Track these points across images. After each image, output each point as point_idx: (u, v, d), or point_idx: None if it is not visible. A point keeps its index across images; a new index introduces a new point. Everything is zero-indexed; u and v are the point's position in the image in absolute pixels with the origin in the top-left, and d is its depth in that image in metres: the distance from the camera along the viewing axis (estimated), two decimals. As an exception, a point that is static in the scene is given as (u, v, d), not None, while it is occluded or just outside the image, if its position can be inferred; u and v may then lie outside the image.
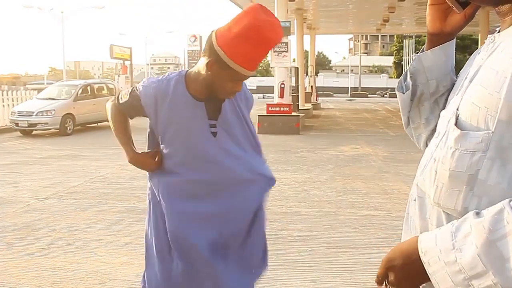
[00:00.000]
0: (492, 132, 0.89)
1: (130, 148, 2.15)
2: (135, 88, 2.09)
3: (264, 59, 1.95)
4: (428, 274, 0.89)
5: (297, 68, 21.68)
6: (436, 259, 0.87)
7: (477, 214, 0.85)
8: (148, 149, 2.17)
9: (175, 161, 2.02)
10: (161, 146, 2.06)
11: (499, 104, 0.87)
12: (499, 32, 0.99)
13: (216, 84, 1.91)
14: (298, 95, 20.15)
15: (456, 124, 0.96)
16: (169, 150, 2.03)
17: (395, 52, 67.20)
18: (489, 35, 1.02)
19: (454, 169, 0.94)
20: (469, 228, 0.83)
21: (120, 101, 2.13)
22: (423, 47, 1.22)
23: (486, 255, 0.80)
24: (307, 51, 30.53)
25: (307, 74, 27.89)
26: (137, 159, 2.11)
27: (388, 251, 0.99)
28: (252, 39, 1.77)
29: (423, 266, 0.90)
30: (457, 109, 0.98)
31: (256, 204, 2.14)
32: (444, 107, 1.13)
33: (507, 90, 0.87)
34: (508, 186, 0.86)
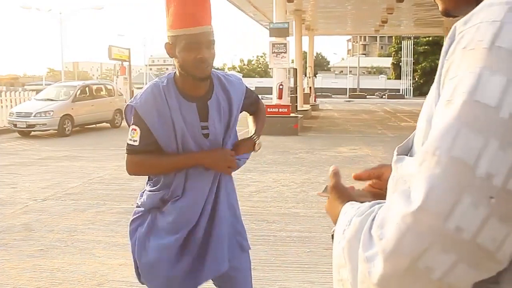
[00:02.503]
0: None
1: (192, 154, 1.98)
2: (132, 117, 1.96)
3: (201, 11, 1.85)
4: None
5: (296, 69, 21.69)
6: (336, 236, 0.87)
7: (372, 205, 0.81)
8: None
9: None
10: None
11: (423, 127, 0.79)
12: None
13: (184, 64, 1.89)
14: (296, 96, 20.15)
15: (412, 146, 0.88)
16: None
17: (393, 53, 67.21)
18: None
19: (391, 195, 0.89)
20: (354, 220, 0.80)
21: (133, 143, 1.95)
22: None
23: (349, 250, 0.78)
24: (305, 52, 30.56)
25: (305, 75, 27.92)
26: (214, 155, 1.99)
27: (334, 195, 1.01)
28: None
29: None
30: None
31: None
32: None
33: (427, 113, 0.78)
34: None
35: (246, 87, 2.20)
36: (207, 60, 1.87)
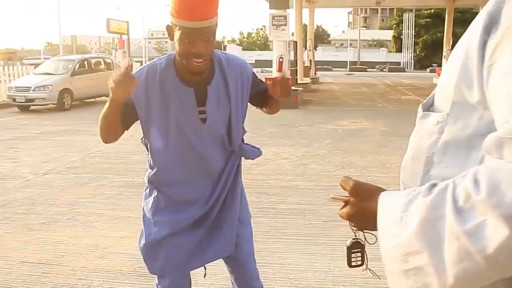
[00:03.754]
0: (447, 114, 0.85)
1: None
2: None
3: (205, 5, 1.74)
4: (379, 242, 0.88)
5: (296, 42, 21.51)
6: (385, 229, 0.84)
7: (432, 186, 0.79)
8: (147, 154, 2.07)
9: (166, 151, 1.97)
10: (150, 137, 1.99)
11: (454, 84, 0.82)
12: None
13: (179, 53, 1.83)
14: (296, 69, 20.04)
15: (433, 103, 0.92)
16: (159, 140, 1.97)
17: (394, 26, 66.65)
18: None
19: (415, 150, 0.92)
20: (417, 203, 0.78)
21: None
22: None
23: (422, 234, 0.75)
24: (306, 25, 30.23)
25: (305, 48, 27.69)
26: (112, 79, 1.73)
27: (358, 185, 0.97)
28: None
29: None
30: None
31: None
32: None
33: (460, 69, 0.81)
34: (461, 170, 0.80)
35: (254, 73, 2.08)
36: (202, 55, 1.80)
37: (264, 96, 2.09)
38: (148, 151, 2.05)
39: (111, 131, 1.96)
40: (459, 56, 0.82)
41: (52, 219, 4.68)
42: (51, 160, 7.32)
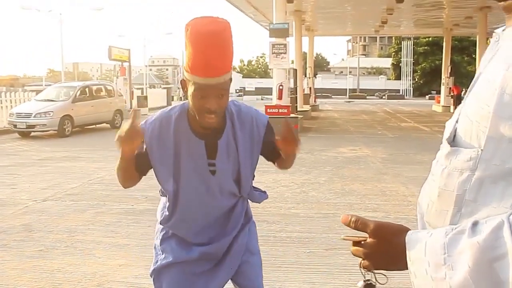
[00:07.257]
0: (481, 150, 0.80)
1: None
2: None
3: (219, 61, 1.73)
4: (412, 285, 0.83)
5: (296, 69, 21.68)
6: (423, 272, 0.79)
7: (475, 225, 0.76)
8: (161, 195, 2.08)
9: (175, 199, 1.98)
10: (164, 186, 1.99)
11: (489, 118, 0.79)
12: (504, 30, 0.88)
13: (192, 107, 1.82)
14: (296, 97, 20.14)
15: (454, 138, 0.88)
16: (170, 188, 1.96)
17: (393, 53, 67.31)
18: (494, 32, 0.91)
19: (443, 187, 0.87)
20: (464, 244, 0.74)
21: None
22: None
23: (480, 276, 0.71)
24: (305, 53, 30.57)
25: (305, 76, 27.92)
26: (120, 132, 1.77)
27: (380, 226, 0.92)
28: (189, 41, 1.73)
29: (407, 265, 0.84)
30: (457, 121, 0.89)
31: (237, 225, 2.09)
32: None
33: (496, 104, 0.78)
34: (498, 207, 0.78)
35: (267, 124, 2.04)
36: (214, 111, 1.78)
37: (275, 149, 2.03)
38: (165, 197, 2.05)
39: (128, 179, 2.03)
40: (490, 90, 0.80)
41: (50, 246, 4.64)
42: (51, 187, 7.30)
